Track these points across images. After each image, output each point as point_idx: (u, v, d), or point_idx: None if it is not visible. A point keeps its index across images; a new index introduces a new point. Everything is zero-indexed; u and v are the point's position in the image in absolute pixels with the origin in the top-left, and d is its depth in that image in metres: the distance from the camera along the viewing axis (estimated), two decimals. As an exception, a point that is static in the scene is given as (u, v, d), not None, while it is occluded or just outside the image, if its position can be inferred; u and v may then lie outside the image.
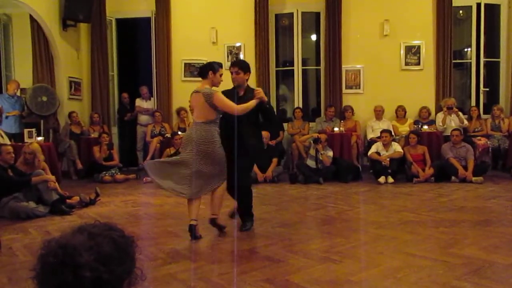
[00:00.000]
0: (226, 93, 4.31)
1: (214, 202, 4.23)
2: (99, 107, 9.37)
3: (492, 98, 9.25)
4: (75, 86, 9.20)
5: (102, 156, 8.09)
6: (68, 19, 8.75)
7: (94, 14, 9.12)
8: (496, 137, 8.21)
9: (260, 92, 4.28)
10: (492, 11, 9.15)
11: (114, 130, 9.82)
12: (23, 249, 3.79)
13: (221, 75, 4.30)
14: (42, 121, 8.06)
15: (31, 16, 8.26)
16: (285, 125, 9.08)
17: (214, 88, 4.26)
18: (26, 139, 7.06)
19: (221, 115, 4.23)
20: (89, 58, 9.44)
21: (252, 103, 4.19)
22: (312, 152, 7.65)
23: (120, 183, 7.83)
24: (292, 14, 9.44)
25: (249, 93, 4.36)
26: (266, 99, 4.30)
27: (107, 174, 7.94)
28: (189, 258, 3.44)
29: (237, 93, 4.37)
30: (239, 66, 4.45)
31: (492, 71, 9.37)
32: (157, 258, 3.44)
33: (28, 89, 8.13)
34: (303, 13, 9.44)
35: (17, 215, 4.99)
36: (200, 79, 4.34)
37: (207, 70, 4.26)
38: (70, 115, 8.65)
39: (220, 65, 4.37)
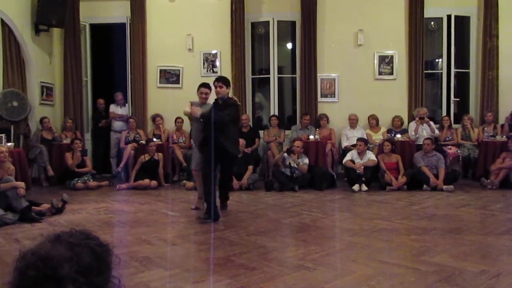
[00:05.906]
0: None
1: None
2: (72, 112, 9.23)
3: (463, 108, 9.47)
4: (47, 91, 9.05)
5: (75, 162, 7.94)
6: (40, 23, 8.63)
7: (68, 19, 9.00)
8: (466, 146, 8.42)
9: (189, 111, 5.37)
10: (462, 23, 9.39)
11: (88, 136, 9.68)
12: (-10, 258, 3.68)
13: (201, 93, 5.64)
14: (12, 127, 7.88)
15: (2, 20, 8.07)
16: (261, 132, 9.10)
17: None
18: (-4, 145, 6.88)
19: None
20: (62, 63, 9.30)
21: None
22: (288, 163, 7.66)
23: (93, 190, 7.70)
24: (268, 22, 9.50)
25: (226, 103, 5.31)
26: (196, 114, 5.26)
27: (79, 181, 7.80)
28: (163, 266, 3.40)
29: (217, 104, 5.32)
30: (223, 81, 5.36)
31: (463, 81, 9.59)
32: (130, 266, 3.38)
33: (-2, 94, 7.94)
34: (279, 22, 9.50)
35: (-16, 222, 4.85)
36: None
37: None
38: (41, 120, 8.49)
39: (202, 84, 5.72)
